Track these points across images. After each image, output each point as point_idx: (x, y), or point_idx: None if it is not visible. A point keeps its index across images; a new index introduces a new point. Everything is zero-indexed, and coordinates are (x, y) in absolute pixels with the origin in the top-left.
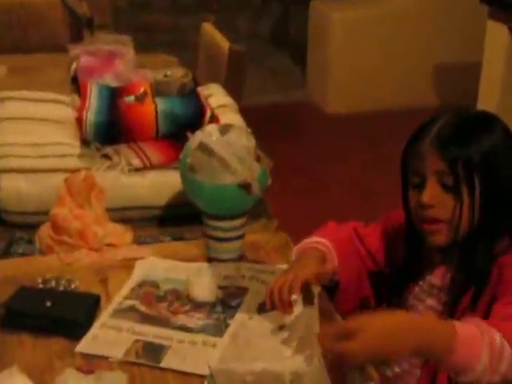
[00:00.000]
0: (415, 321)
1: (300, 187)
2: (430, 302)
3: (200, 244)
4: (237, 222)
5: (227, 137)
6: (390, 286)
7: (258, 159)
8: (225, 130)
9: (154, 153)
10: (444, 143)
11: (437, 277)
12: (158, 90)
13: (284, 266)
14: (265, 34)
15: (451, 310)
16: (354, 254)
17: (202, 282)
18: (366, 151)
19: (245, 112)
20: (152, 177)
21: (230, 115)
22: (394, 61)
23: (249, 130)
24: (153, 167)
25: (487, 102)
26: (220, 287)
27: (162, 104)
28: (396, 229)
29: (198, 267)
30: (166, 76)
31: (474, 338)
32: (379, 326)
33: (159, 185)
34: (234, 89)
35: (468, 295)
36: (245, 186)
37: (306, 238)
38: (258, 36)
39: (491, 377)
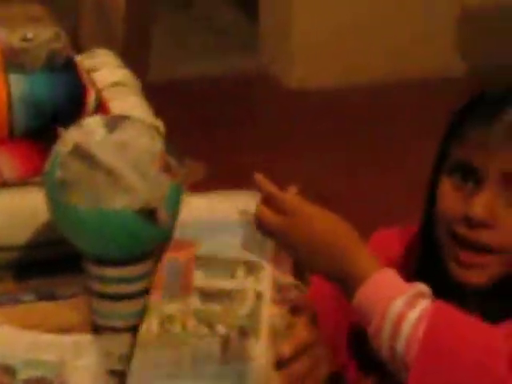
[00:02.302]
0: (347, 244)
1: None
2: None
3: (80, 305)
4: (137, 269)
5: (118, 135)
6: None
7: (167, 170)
8: (115, 124)
9: (6, 161)
10: None
11: None
12: (15, 62)
13: None
14: None
15: None
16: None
17: (84, 366)
18: (341, 141)
19: (160, 91)
20: (4, 199)
21: (128, 99)
22: (389, 12)
23: (156, 123)
24: (5, 184)
25: None
26: (113, 372)
27: (18, 84)
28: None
29: (77, 342)
30: (25, 40)
31: (391, 287)
32: (311, 230)
33: (15, 212)
34: (135, 58)
35: None
36: (147, 213)
37: None
38: None
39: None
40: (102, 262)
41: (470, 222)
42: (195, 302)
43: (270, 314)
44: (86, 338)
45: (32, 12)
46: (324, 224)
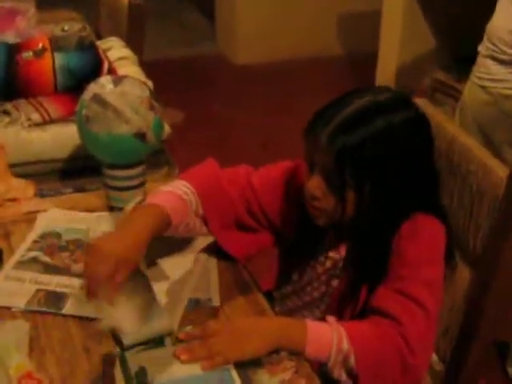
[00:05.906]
0: (268, 323)
1: (211, 136)
2: (335, 282)
3: (101, 194)
4: (134, 171)
5: (120, 87)
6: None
7: (151, 108)
8: (118, 81)
9: (53, 107)
10: (339, 146)
11: (339, 250)
12: (57, 45)
13: None
14: None
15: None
16: (230, 205)
17: (103, 230)
18: (276, 100)
19: (152, 65)
20: (52, 131)
21: (130, 67)
22: (299, 10)
23: (145, 80)
24: (52, 121)
25: (388, 48)
26: None
27: (59, 59)
28: (297, 184)
29: (98, 216)
30: (63, 30)
31: (324, 336)
32: (232, 329)
33: (60, 138)
34: (134, 42)
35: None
36: (140, 135)
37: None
38: None
39: (340, 370)
40: (113, 167)
41: (308, 194)
42: None
43: None
44: (104, 214)
45: (69, 15)
46: (244, 320)
